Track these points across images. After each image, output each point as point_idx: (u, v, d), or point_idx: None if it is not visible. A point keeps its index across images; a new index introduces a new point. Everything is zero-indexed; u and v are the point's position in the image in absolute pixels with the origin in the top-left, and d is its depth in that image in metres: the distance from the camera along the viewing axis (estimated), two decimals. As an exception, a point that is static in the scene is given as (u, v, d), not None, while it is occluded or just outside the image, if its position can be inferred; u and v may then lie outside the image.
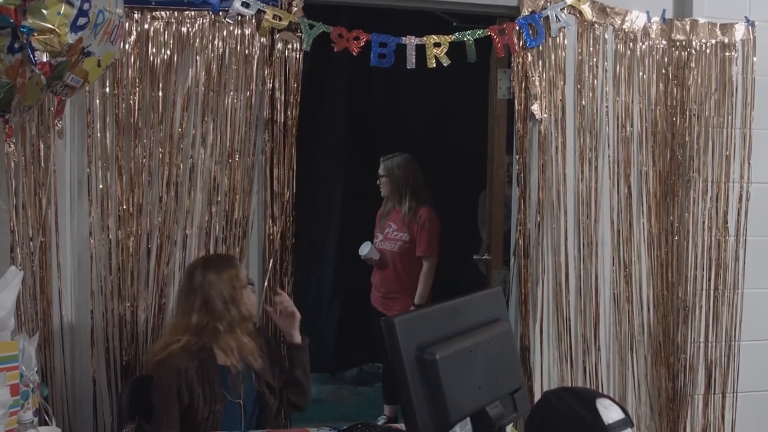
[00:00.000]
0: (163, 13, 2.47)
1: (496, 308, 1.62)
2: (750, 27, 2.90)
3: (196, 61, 2.51)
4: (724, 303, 2.98)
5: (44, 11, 1.68)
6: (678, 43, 2.85)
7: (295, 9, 2.55)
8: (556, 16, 2.73)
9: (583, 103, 2.80)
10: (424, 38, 2.61)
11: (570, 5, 2.75)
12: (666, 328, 2.94)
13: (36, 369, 2.09)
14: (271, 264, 2.62)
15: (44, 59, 1.71)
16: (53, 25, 1.70)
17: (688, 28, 2.85)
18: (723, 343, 2.99)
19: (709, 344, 2.98)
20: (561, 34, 2.76)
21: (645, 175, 2.88)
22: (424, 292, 3.54)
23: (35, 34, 1.68)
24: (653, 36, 2.84)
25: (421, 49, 2.61)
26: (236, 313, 2.17)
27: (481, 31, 2.66)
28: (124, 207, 2.49)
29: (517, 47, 2.71)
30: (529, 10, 2.72)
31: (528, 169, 2.80)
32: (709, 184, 2.93)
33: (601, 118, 2.83)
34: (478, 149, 3.21)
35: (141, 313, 2.53)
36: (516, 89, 2.75)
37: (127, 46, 2.42)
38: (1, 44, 1.70)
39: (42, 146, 2.41)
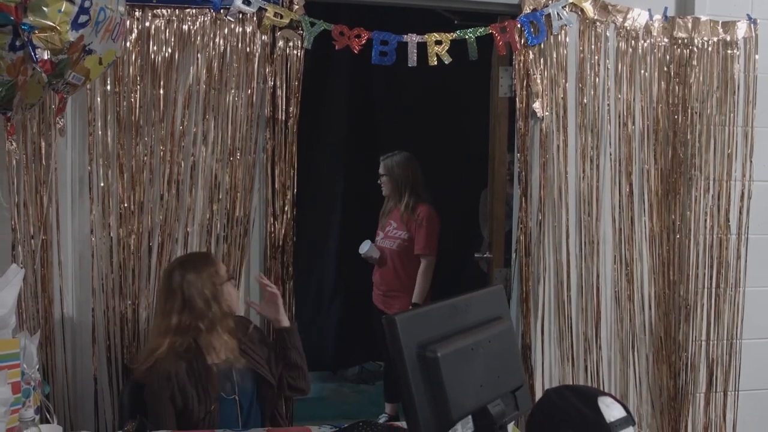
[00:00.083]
0: (164, 10, 2.47)
1: (498, 306, 1.62)
2: (752, 24, 2.89)
3: (197, 58, 2.50)
4: (725, 301, 2.97)
5: (45, 9, 1.68)
6: (680, 41, 2.85)
7: (297, 7, 2.55)
8: (558, 13, 2.73)
9: (585, 101, 2.80)
10: (426, 36, 2.61)
11: (572, 3, 2.75)
12: (667, 326, 2.94)
13: (37, 367, 2.09)
14: (272, 262, 2.62)
15: (45, 57, 1.71)
16: (54, 23, 1.70)
17: (690, 25, 2.84)
18: (724, 342, 2.99)
19: (711, 342, 2.98)
20: (563, 31, 2.76)
21: (646, 173, 2.88)
22: (422, 291, 3.53)
23: (36, 31, 1.68)
24: (655, 34, 2.83)
25: (422, 47, 2.61)
26: (217, 309, 2.16)
27: (483, 28, 2.65)
28: (126, 205, 2.49)
29: (518, 45, 2.70)
30: (531, 7, 2.72)
31: (529, 167, 2.79)
32: (711, 182, 2.92)
33: (603, 116, 2.83)
34: (479, 147, 3.21)
35: (142, 311, 2.53)
36: (517, 87, 2.75)
37: (128, 43, 2.42)
38: (3, 42, 1.70)
39: (43, 144, 2.41)
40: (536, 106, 2.75)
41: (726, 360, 2.99)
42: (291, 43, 2.56)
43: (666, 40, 2.85)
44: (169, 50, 2.48)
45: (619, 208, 2.87)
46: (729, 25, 2.88)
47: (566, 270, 2.84)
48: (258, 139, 2.58)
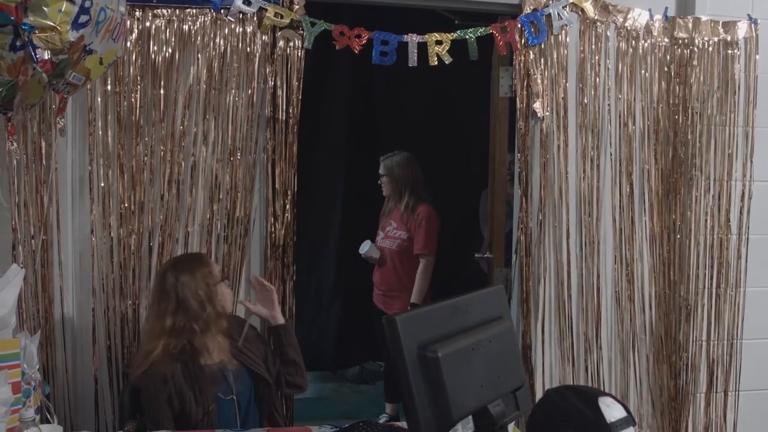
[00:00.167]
0: (164, 10, 2.47)
1: (498, 306, 1.61)
2: (753, 25, 2.89)
3: (198, 59, 2.50)
4: (726, 301, 2.97)
5: (45, 9, 1.68)
6: (680, 41, 2.85)
7: (297, 7, 2.55)
8: (558, 13, 2.73)
9: (585, 101, 2.80)
10: (426, 36, 2.61)
11: (572, 3, 2.75)
12: (668, 326, 2.94)
13: (38, 367, 2.09)
14: (272, 262, 2.62)
15: (45, 57, 1.71)
16: (54, 23, 1.70)
17: (690, 25, 2.84)
18: (725, 342, 2.99)
19: (711, 343, 2.98)
20: (563, 31, 2.76)
21: (647, 173, 2.88)
22: (420, 291, 3.53)
23: (36, 31, 1.68)
24: (655, 34, 2.83)
25: (422, 47, 2.61)
26: (212, 310, 2.15)
27: (483, 28, 2.65)
28: (126, 205, 2.49)
29: (519, 45, 2.70)
30: (531, 7, 2.72)
31: (530, 167, 2.79)
32: (712, 183, 2.92)
33: (603, 116, 2.83)
34: (479, 147, 3.21)
35: (143, 310, 2.52)
36: (518, 87, 2.75)
37: (128, 43, 2.42)
38: (3, 42, 1.70)
39: (43, 144, 2.41)
40: (537, 106, 2.75)
41: (726, 360, 2.99)
42: (291, 43, 2.56)
43: (666, 40, 2.84)
44: (170, 50, 2.48)
45: (620, 208, 2.87)
46: (729, 25, 2.88)
47: (567, 270, 2.84)
48: (258, 139, 2.58)
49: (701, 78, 2.87)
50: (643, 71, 2.84)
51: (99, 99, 2.45)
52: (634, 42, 2.82)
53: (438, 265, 3.66)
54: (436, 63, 2.62)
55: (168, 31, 2.47)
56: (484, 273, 3.24)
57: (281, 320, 2.37)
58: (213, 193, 2.56)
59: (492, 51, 2.82)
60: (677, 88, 2.86)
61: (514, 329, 1.93)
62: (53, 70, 1.76)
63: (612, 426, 1.28)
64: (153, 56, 2.47)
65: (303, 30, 2.55)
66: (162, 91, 2.48)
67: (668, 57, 2.85)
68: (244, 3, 2.50)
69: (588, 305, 2.87)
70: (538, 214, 2.81)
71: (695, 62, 2.85)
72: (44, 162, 2.42)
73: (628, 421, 1.31)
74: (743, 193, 2.95)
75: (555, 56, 2.76)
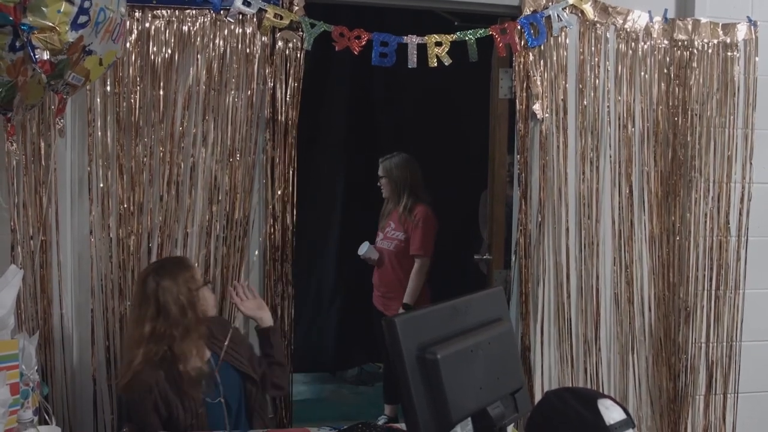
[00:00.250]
0: (164, 11, 2.47)
1: (497, 308, 1.61)
2: (752, 27, 2.89)
3: (197, 59, 2.50)
4: (725, 303, 2.97)
5: (44, 9, 1.68)
6: (680, 43, 2.85)
7: (296, 8, 2.55)
8: (558, 15, 2.73)
9: (585, 102, 2.80)
10: (426, 37, 2.61)
11: (572, 5, 2.75)
12: (667, 328, 2.93)
13: (36, 368, 2.09)
14: (271, 264, 2.62)
15: (45, 57, 1.71)
16: (53, 23, 1.70)
17: (690, 27, 2.85)
18: (724, 344, 2.99)
19: (711, 345, 2.97)
20: (563, 33, 2.76)
21: (646, 175, 2.88)
22: (413, 291, 3.52)
23: (35, 32, 1.67)
24: (655, 36, 2.83)
25: (422, 49, 2.61)
26: (193, 316, 2.11)
27: (483, 30, 2.65)
28: (125, 206, 2.49)
29: (518, 47, 2.71)
30: (531, 9, 2.72)
31: (529, 168, 2.79)
32: (711, 185, 2.92)
33: (603, 118, 2.83)
34: (479, 149, 3.21)
35: (141, 312, 2.52)
36: (517, 89, 2.75)
37: (128, 44, 2.42)
38: (3, 42, 1.70)
39: (43, 145, 2.41)
40: (536, 107, 2.75)
41: (725, 362, 2.99)
42: (291, 44, 2.56)
43: (666, 42, 2.85)
44: (169, 51, 2.48)
45: (619, 209, 2.87)
46: (729, 27, 2.88)
47: (566, 272, 2.84)
48: (258, 140, 2.58)
49: (701, 80, 2.87)
50: (642, 73, 2.84)
51: (98, 100, 2.45)
52: (633, 44, 2.82)
53: (437, 267, 3.66)
54: (435, 64, 2.62)
55: (167, 31, 2.47)
56: (483, 274, 3.23)
57: (270, 322, 2.37)
58: (212, 194, 2.56)
59: (491, 52, 2.82)
60: (677, 89, 2.86)
61: (513, 331, 1.93)
62: (52, 71, 1.75)
63: (611, 428, 1.28)
64: (152, 57, 2.47)
65: (302, 31, 2.55)
66: (161, 92, 2.48)
67: (668, 59, 2.85)
68: (243, 4, 2.50)
69: (587, 307, 2.87)
70: (538, 216, 2.81)
71: (695, 64, 2.85)
72: (43, 162, 2.41)
73: (628, 423, 1.30)
74: (742, 195, 2.96)
75: (555, 58, 2.76)
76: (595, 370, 2.88)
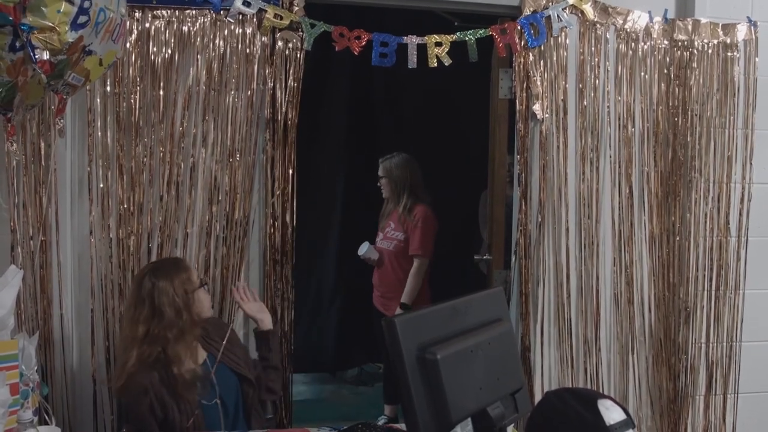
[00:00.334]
0: (164, 11, 2.47)
1: (497, 308, 1.61)
2: (752, 27, 2.89)
3: (197, 60, 2.50)
4: (725, 304, 2.97)
5: (44, 9, 1.67)
6: (680, 43, 2.85)
7: (296, 8, 2.55)
8: (558, 15, 2.73)
9: (585, 103, 2.80)
10: (426, 38, 2.61)
11: (572, 5, 2.75)
12: (667, 328, 2.93)
13: (36, 368, 2.09)
14: (271, 264, 2.62)
15: (44, 57, 1.71)
16: (53, 23, 1.70)
17: (690, 28, 2.84)
18: (724, 344, 2.98)
19: (711, 345, 2.97)
20: (563, 33, 2.76)
21: (646, 175, 2.88)
22: (411, 291, 3.52)
23: (35, 32, 1.67)
24: (655, 36, 2.83)
25: (422, 49, 2.61)
26: (188, 318, 2.10)
27: (483, 30, 2.65)
28: (125, 206, 2.49)
29: (518, 47, 2.70)
30: (531, 9, 2.72)
31: (529, 169, 2.79)
32: (711, 185, 2.92)
33: (603, 118, 2.83)
34: (479, 149, 3.21)
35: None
36: (517, 89, 2.75)
37: (128, 44, 2.42)
38: (3, 42, 1.70)
39: (43, 145, 2.41)
40: (536, 108, 2.75)
41: (726, 362, 2.99)
42: (291, 45, 2.56)
43: (666, 42, 2.85)
44: (169, 51, 2.48)
45: (619, 210, 2.87)
46: (729, 28, 2.88)
47: (566, 272, 2.84)
48: (258, 141, 2.58)
49: (701, 80, 2.87)
50: (642, 73, 2.84)
51: (98, 100, 2.45)
52: (633, 44, 2.82)
53: (437, 267, 3.66)
54: (435, 65, 2.62)
55: (167, 32, 2.47)
56: (483, 275, 3.23)
57: (270, 326, 2.37)
58: (212, 194, 2.56)
59: (491, 53, 2.82)
60: (677, 90, 2.86)
61: (513, 331, 1.92)
62: (52, 71, 1.75)
63: (611, 429, 1.28)
64: (152, 57, 2.46)
65: (302, 31, 2.55)
66: (161, 92, 2.48)
67: (668, 59, 2.85)
68: (243, 4, 2.50)
69: (587, 307, 2.87)
70: (538, 216, 2.81)
71: (695, 64, 2.85)
72: (43, 163, 2.41)
73: (628, 423, 1.30)
74: (742, 196, 2.95)
75: (555, 58, 2.76)
76: (595, 371, 2.88)
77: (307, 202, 3.46)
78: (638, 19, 2.82)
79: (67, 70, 1.82)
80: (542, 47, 2.74)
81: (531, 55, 2.73)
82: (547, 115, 2.77)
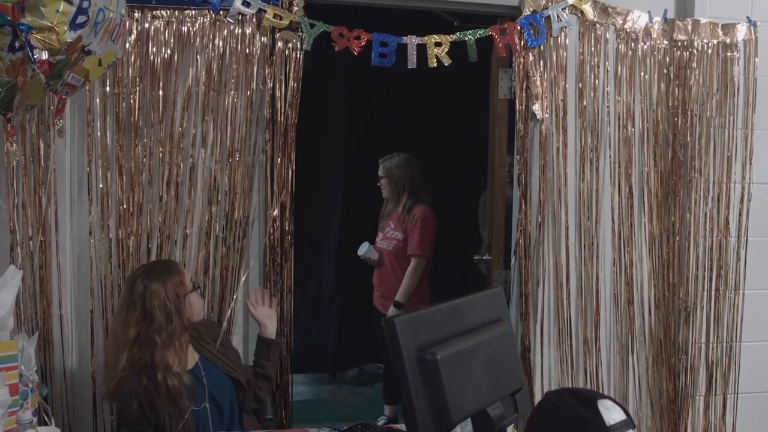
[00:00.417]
0: (163, 12, 2.47)
1: (497, 309, 1.61)
2: (752, 27, 2.89)
3: (197, 60, 2.50)
4: (725, 304, 2.97)
5: (43, 9, 1.67)
6: (680, 43, 2.85)
7: (296, 8, 2.55)
8: (558, 15, 2.73)
9: (585, 103, 2.80)
10: (425, 38, 2.61)
11: (571, 5, 2.75)
12: (667, 328, 2.93)
13: (35, 369, 2.09)
14: (271, 264, 2.62)
15: (43, 57, 1.70)
16: (52, 23, 1.69)
17: (689, 28, 2.84)
18: (724, 344, 2.98)
19: (710, 345, 2.97)
20: (562, 34, 2.75)
21: (646, 175, 2.87)
22: (406, 290, 3.52)
23: (34, 31, 1.67)
24: (655, 36, 2.83)
25: (422, 49, 2.61)
26: (178, 323, 2.09)
27: (483, 30, 2.65)
28: (125, 206, 2.49)
29: (518, 47, 2.70)
30: (531, 9, 2.72)
31: (529, 169, 2.79)
32: (711, 185, 2.92)
33: (603, 119, 2.82)
34: (479, 149, 3.21)
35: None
36: (517, 89, 2.75)
37: (127, 45, 2.42)
38: (2, 43, 1.70)
39: (42, 145, 2.41)
40: (536, 108, 2.75)
41: (725, 363, 2.99)
42: (290, 45, 2.56)
43: (666, 42, 2.84)
44: (169, 51, 2.47)
45: (619, 210, 2.86)
46: (729, 28, 2.88)
47: (566, 272, 2.84)
48: (257, 141, 2.58)
49: (700, 80, 2.87)
50: (642, 73, 2.84)
51: (98, 100, 2.44)
52: (633, 44, 2.82)
53: (437, 267, 3.66)
54: (435, 65, 2.62)
55: (167, 32, 2.47)
56: (483, 275, 3.23)
57: (272, 335, 2.36)
58: (212, 194, 2.55)
59: (491, 53, 2.82)
60: (676, 90, 2.86)
61: (513, 331, 1.92)
62: (51, 71, 1.75)
63: (611, 429, 1.28)
64: (152, 57, 2.46)
65: (302, 31, 2.55)
66: (161, 93, 2.48)
67: (667, 59, 2.85)
68: (243, 4, 2.50)
69: (587, 307, 2.86)
70: (537, 216, 2.81)
71: (694, 64, 2.85)
72: (43, 163, 2.41)
73: (628, 423, 1.30)
74: (742, 196, 2.95)
75: (554, 58, 2.76)
76: (594, 371, 2.88)
77: (307, 202, 3.46)
78: (638, 19, 2.82)
79: (66, 70, 1.82)
80: (542, 47, 2.74)
81: (531, 55, 2.73)
82: (546, 115, 2.77)
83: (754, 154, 2.95)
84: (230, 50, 2.52)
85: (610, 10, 2.79)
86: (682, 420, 2.95)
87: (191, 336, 2.20)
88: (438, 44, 2.61)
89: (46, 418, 2.09)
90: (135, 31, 2.44)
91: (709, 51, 2.87)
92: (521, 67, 2.73)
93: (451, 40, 2.61)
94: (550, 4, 2.73)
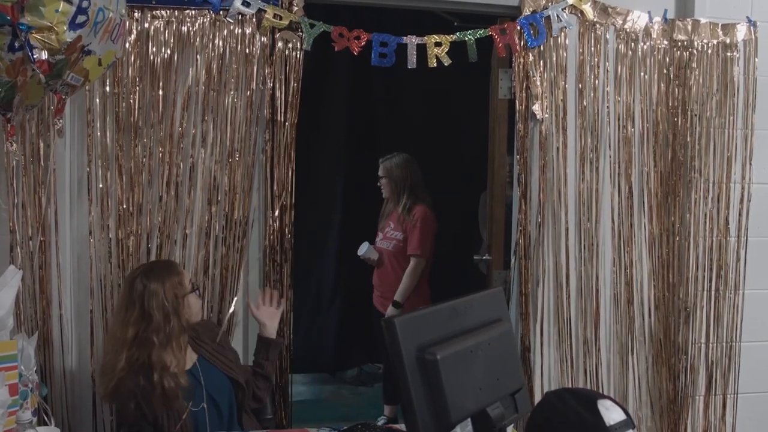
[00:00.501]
0: (163, 12, 2.47)
1: (497, 309, 1.61)
2: (752, 27, 2.89)
3: (197, 60, 2.50)
4: (725, 304, 2.97)
5: (42, 9, 1.67)
6: (679, 44, 2.85)
7: (296, 8, 2.54)
8: (558, 16, 2.73)
9: (585, 103, 2.80)
10: (425, 38, 2.61)
11: (571, 5, 2.75)
12: (667, 329, 2.93)
13: (35, 369, 2.09)
14: (271, 264, 2.62)
15: (43, 57, 1.70)
16: (51, 23, 1.69)
17: (689, 28, 2.84)
18: (724, 344, 2.98)
19: (710, 345, 2.97)
20: (562, 34, 2.75)
21: (646, 175, 2.87)
22: (405, 290, 3.52)
23: (33, 31, 1.67)
24: (655, 36, 2.83)
25: (422, 49, 2.61)
26: (176, 323, 2.09)
27: (483, 30, 2.65)
28: (124, 206, 2.49)
29: (518, 47, 2.70)
30: (531, 9, 2.72)
31: (529, 169, 2.79)
32: (711, 185, 2.92)
33: (603, 119, 2.82)
34: (479, 149, 3.21)
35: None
36: (517, 89, 2.75)
37: (127, 44, 2.42)
38: (2, 42, 1.70)
39: (42, 145, 2.41)
40: (536, 108, 2.75)
41: (725, 363, 2.99)
42: (290, 45, 2.56)
43: (666, 42, 2.84)
44: (169, 51, 2.47)
45: (619, 210, 2.86)
46: (729, 28, 2.88)
47: (566, 272, 2.84)
48: (257, 141, 2.58)
49: (700, 80, 2.87)
50: (642, 73, 2.83)
51: (97, 100, 2.44)
52: (633, 44, 2.82)
53: (437, 267, 3.66)
54: (435, 65, 2.62)
55: (167, 32, 2.47)
56: (483, 275, 3.23)
57: (271, 335, 2.36)
58: (211, 194, 2.55)
59: (491, 53, 2.81)
60: (676, 90, 2.86)
61: (513, 331, 1.92)
62: (50, 71, 1.75)
63: (611, 429, 1.28)
64: (152, 57, 2.46)
65: (302, 31, 2.55)
66: (161, 92, 2.47)
67: (667, 59, 2.85)
68: (243, 4, 2.50)
69: (587, 307, 2.86)
70: (537, 216, 2.81)
71: (694, 64, 2.85)
72: (42, 163, 2.41)
73: (628, 423, 1.30)
74: (742, 196, 2.95)
75: (554, 58, 2.75)
76: (594, 371, 2.88)
77: (307, 202, 3.46)
78: (638, 20, 2.82)
79: (65, 70, 1.82)
80: (542, 47, 2.74)
81: (531, 55, 2.73)
82: (546, 116, 2.77)
83: (754, 154, 2.95)
84: (230, 50, 2.52)
85: (610, 10, 2.79)
86: (682, 420, 2.95)
87: (189, 336, 2.20)
88: (438, 44, 2.61)
89: (45, 418, 2.09)
90: (135, 31, 2.44)
91: (709, 51, 2.87)
92: (521, 67, 2.73)
93: (451, 40, 2.61)
94: (550, 4, 2.73)
